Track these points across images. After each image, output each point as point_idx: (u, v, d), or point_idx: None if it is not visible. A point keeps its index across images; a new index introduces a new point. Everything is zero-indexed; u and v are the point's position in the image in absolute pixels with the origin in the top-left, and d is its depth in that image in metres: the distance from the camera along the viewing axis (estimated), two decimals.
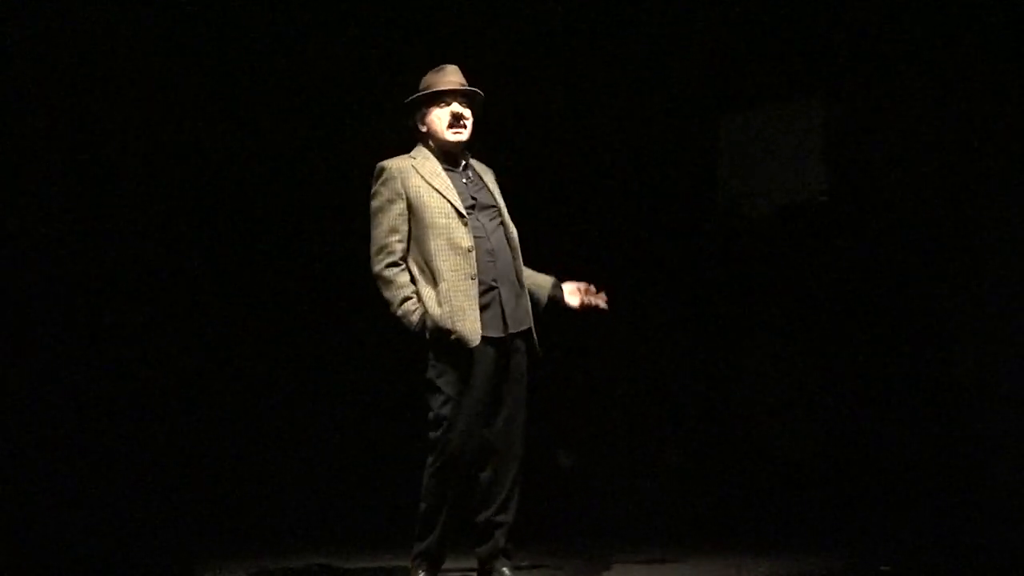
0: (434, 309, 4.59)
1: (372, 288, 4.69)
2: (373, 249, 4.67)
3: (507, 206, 4.82)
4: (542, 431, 6.77)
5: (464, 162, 4.80)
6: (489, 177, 4.86)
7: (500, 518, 4.69)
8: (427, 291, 4.63)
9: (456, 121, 4.72)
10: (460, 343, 4.56)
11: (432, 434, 4.60)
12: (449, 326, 4.56)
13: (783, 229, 6.88)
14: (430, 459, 4.61)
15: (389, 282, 4.63)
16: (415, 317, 4.59)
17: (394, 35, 6.74)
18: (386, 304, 4.63)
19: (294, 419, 6.84)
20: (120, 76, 6.12)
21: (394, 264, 4.64)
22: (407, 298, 4.61)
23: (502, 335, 4.64)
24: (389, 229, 4.66)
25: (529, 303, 4.77)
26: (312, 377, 6.87)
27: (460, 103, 4.74)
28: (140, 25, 6.22)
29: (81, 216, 5.92)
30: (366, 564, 5.51)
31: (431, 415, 4.61)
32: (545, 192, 6.75)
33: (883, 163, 6.59)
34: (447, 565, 4.76)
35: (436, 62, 4.80)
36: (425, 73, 4.79)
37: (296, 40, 6.79)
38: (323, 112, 6.88)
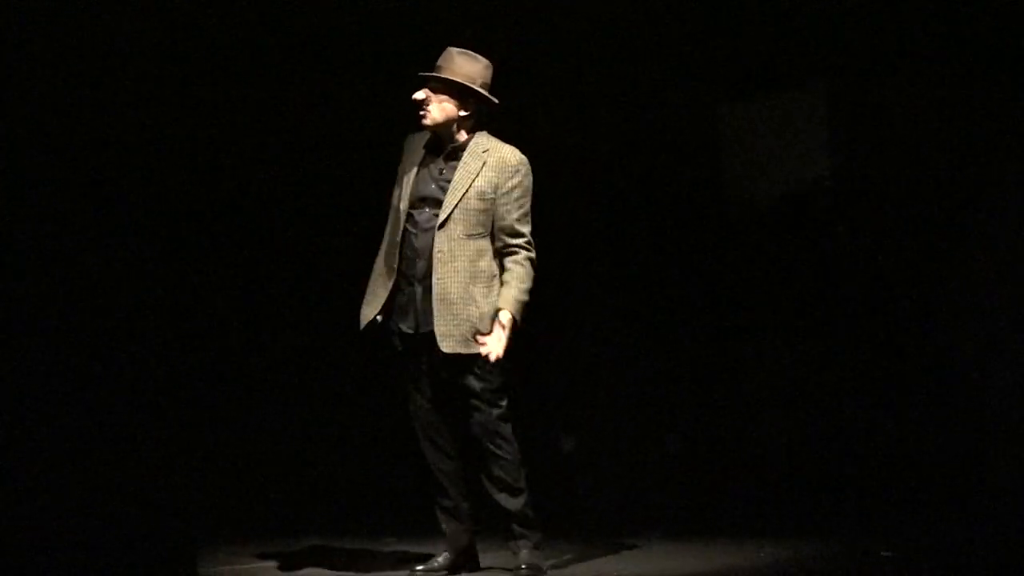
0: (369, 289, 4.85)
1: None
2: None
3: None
4: (545, 417, 6.86)
5: (451, 148, 4.80)
6: (473, 165, 4.77)
7: (507, 505, 4.77)
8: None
9: (417, 107, 4.79)
10: (362, 321, 4.77)
11: None
12: (362, 306, 4.80)
13: (786, 220, 6.89)
14: None
15: None
16: None
17: (380, 36, 6.76)
18: None
19: (296, 404, 6.85)
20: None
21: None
22: None
23: (412, 332, 4.75)
24: (395, 202, 4.87)
25: (449, 316, 4.70)
26: (313, 361, 6.87)
27: (434, 88, 4.75)
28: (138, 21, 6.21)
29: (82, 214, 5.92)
30: (368, 547, 5.54)
31: None
32: (545, 186, 6.76)
33: (887, 154, 6.58)
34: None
35: (427, 56, 4.88)
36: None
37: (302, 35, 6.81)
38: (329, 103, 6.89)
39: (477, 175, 4.74)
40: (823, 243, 6.74)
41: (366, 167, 6.30)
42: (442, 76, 4.73)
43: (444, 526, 4.85)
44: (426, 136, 4.82)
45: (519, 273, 4.73)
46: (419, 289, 4.72)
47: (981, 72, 6.19)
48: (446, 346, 4.65)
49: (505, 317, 4.67)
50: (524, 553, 4.75)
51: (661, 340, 6.93)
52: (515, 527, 4.77)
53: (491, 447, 4.72)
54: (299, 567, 5.17)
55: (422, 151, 4.82)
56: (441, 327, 4.65)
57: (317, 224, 6.89)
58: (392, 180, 4.89)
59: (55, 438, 5.50)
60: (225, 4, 6.55)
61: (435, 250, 4.69)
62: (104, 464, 5.60)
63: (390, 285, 4.73)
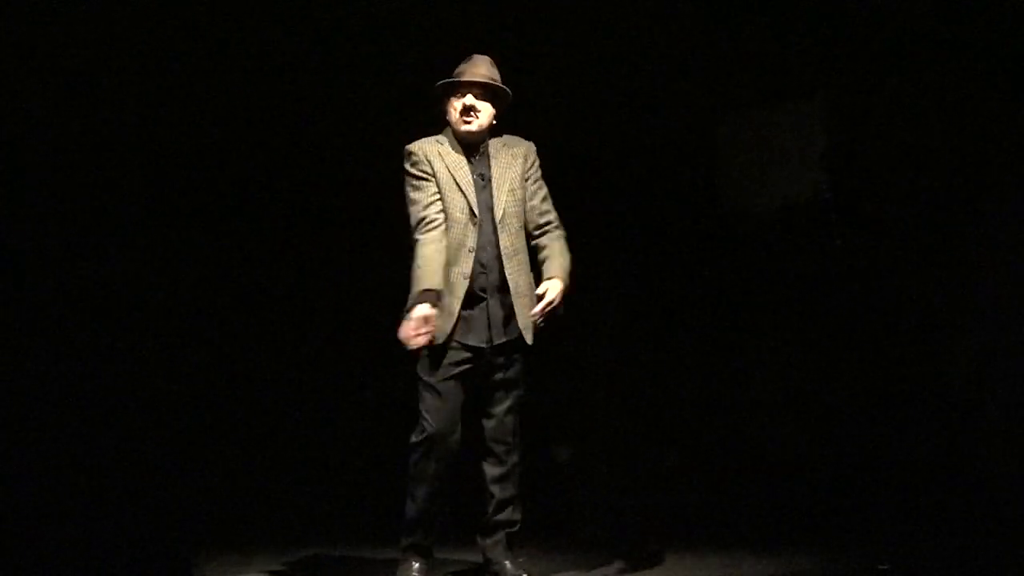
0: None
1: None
2: (412, 224, 4.71)
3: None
4: (539, 426, 6.85)
5: (480, 153, 4.84)
6: (506, 159, 4.85)
7: (501, 516, 4.81)
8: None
9: (466, 112, 4.77)
10: (436, 336, 4.62)
11: (415, 431, 4.72)
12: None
13: (786, 227, 6.89)
14: (411, 454, 4.73)
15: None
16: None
17: (398, 34, 6.74)
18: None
19: (299, 412, 6.84)
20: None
21: (435, 230, 4.68)
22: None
23: (484, 345, 4.71)
24: (427, 203, 4.72)
25: (525, 308, 4.77)
26: (316, 368, 6.86)
27: (476, 95, 4.79)
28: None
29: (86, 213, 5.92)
30: (368, 555, 5.54)
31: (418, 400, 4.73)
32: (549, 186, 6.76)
33: (883, 163, 6.59)
34: (454, 557, 4.81)
35: (432, 58, 4.98)
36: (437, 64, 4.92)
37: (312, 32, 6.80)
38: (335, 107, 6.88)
39: (508, 168, 4.85)
40: (823, 250, 6.73)
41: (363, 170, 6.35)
42: (489, 82, 4.79)
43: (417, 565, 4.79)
44: (445, 143, 4.81)
45: (561, 247, 4.88)
46: (491, 301, 4.73)
47: (979, 78, 6.19)
48: (530, 338, 4.73)
49: (557, 287, 4.73)
50: (509, 565, 4.79)
51: (660, 347, 6.93)
52: (504, 534, 4.79)
53: (507, 449, 4.75)
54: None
55: (455, 157, 4.80)
56: (522, 321, 4.72)
57: (325, 227, 6.89)
58: (414, 189, 4.79)
59: (53, 444, 5.50)
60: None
61: (501, 249, 4.75)
62: (103, 472, 5.61)
63: (461, 294, 4.68)
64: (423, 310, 4.54)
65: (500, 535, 4.81)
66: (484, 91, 4.80)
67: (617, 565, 5.27)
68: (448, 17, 6.63)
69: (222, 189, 6.73)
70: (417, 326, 4.52)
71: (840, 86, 6.73)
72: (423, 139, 4.83)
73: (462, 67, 4.83)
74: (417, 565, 4.75)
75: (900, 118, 6.52)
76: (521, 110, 6.61)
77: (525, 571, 4.80)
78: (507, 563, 4.79)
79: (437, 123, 4.93)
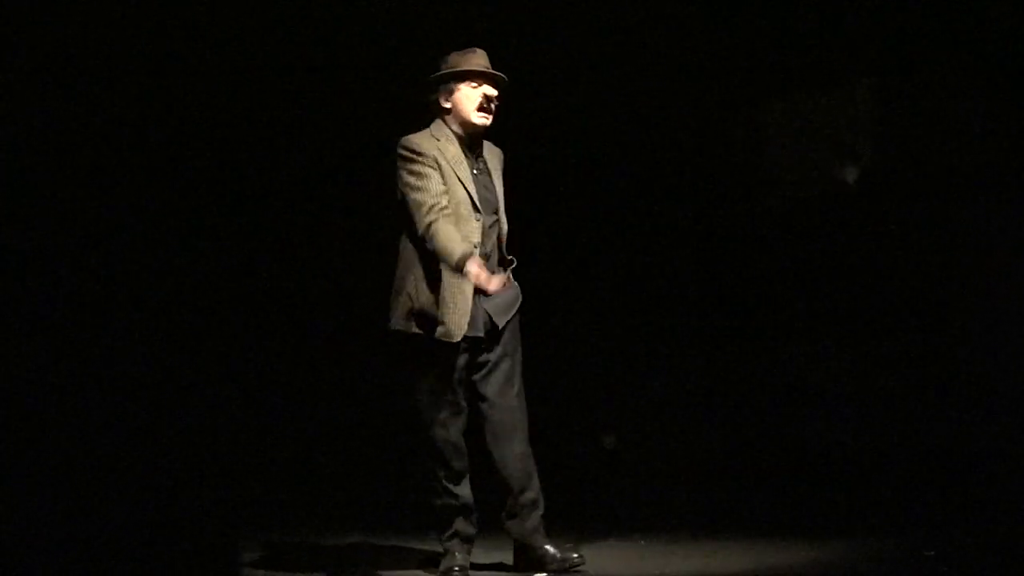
0: (425, 296, 4.63)
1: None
2: (422, 211, 4.60)
3: (513, 197, 4.88)
4: (585, 415, 6.86)
5: (474, 149, 4.80)
6: (495, 163, 4.86)
7: (527, 496, 4.75)
8: (419, 274, 4.66)
9: (487, 103, 4.72)
10: (445, 335, 4.59)
11: (418, 427, 4.70)
12: (435, 314, 4.61)
13: (824, 217, 6.86)
14: (420, 445, 4.73)
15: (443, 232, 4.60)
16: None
17: (413, 20, 6.72)
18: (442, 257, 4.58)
19: (347, 405, 6.86)
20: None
21: (448, 216, 4.60)
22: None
23: (482, 335, 4.68)
24: (437, 191, 4.63)
25: (514, 289, 4.79)
26: (345, 359, 6.88)
27: (490, 87, 4.74)
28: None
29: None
30: (410, 544, 5.54)
31: (415, 404, 4.69)
32: (589, 179, 6.77)
33: (925, 150, 6.55)
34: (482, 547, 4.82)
35: (455, 44, 4.83)
36: (444, 52, 4.82)
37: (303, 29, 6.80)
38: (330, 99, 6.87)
39: (499, 163, 4.85)
40: (862, 239, 6.70)
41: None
42: (498, 74, 4.76)
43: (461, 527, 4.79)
44: (441, 138, 4.74)
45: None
46: (484, 295, 4.67)
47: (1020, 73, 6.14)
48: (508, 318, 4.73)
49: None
50: (551, 549, 4.75)
51: (698, 339, 6.92)
52: (540, 519, 4.78)
53: (522, 431, 4.72)
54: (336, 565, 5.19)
55: (453, 151, 4.74)
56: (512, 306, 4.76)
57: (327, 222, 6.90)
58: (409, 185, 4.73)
59: (87, 441, 5.54)
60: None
61: (501, 240, 4.77)
62: (137, 466, 5.64)
63: (469, 289, 4.62)
64: (477, 261, 4.52)
65: (535, 520, 4.76)
66: (496, 84, 4.75)
67: (658, 554, 5.26)
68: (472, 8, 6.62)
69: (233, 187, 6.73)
70: (487, 276, 4.52)
71: (883, 73, 6.69)
72: (416, 133, 4.74)
73: (464, 57, 4.74)
74: (460, 555, 4.74)
75: (944, 104, 6.48)
76: (558, 97, 6.65)
77: (570, 555, 4.73)
78: (549, 548, 4.74)
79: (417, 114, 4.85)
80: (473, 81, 4.72)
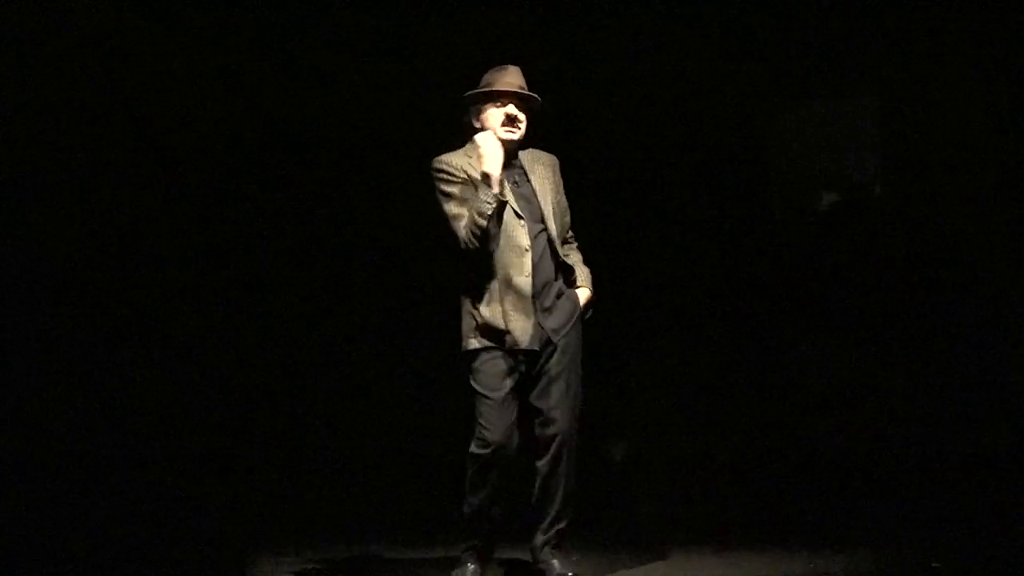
0: (486, 309, 4.69)
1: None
2: (459, 222, 4.68)
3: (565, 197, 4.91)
4: (594, 423, 6.86)
5: (513, 163, 4.84)
6: (542, 170, 4.89)
7: (550, 510, 4.79)
8: (477, 291, 4.72)
9: (510, 122, 4.77)
10: (513, 343, 4.65)
11: (474, 443, 4.71)
12: (501, 325, 4.67)
13: (838, 224, 6.88)
14: (469, 457, 4.73)
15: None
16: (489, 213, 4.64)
17: (449, 32, 6.76)
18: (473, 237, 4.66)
19: (360, 412, 6.88)
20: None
21: None
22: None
23: (537, 348, 4.71)
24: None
25: (571, 301, 4.83)
26: (366, 365, 6.91)
27: (516, 105, 4.79)
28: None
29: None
30: (425, 555, 5.56)
31: (475, 416, 4.72)
32: (600, 184, 6.78)
33: (936, 156, 6.57)
34: (508, 556, 4.84)
35: (488, 56, 4.90)
36: (483, 70, 4.86)
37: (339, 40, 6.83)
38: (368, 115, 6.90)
39: (545, 179, 4.87)
40: (873, 244, 6.72)
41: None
42: (528, 93, 4.80)
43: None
44: (473, 157, 4.76)
45: (581, 258, 4.97)
46: (543, 302, 4.74)
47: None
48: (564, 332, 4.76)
49: (586, 294, 4.85)
50: (555, 564, 4.78)
51: (708, 344, 6.93)
52: (555, 532, 4.80)
53: (567, 454, 4.74)
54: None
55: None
56: (568, 321, 4.78)
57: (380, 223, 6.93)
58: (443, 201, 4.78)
59: (100, 445, 5.58)
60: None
61: (554, 254, 4.79)
62: (147, 471, 5.68)
63: (527, 293, 4.69)
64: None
65: (550, 533, 4.80)
66: (521, 101, 4.80)
67: (669, 563, 5.29)
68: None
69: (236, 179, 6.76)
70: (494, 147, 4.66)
71: (895, 78, 6.72)
72: (448, 153, 4.80)
73: (494, 76, 4.80)
74: (473, 567, 4.79)
75: (954, 109, 6.50)
76: (573, 102, 6.66)
77: (571, 571, 4.78)
78: (554, 561, 4.77)
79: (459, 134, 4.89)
80: (500, 99, 4.79)
